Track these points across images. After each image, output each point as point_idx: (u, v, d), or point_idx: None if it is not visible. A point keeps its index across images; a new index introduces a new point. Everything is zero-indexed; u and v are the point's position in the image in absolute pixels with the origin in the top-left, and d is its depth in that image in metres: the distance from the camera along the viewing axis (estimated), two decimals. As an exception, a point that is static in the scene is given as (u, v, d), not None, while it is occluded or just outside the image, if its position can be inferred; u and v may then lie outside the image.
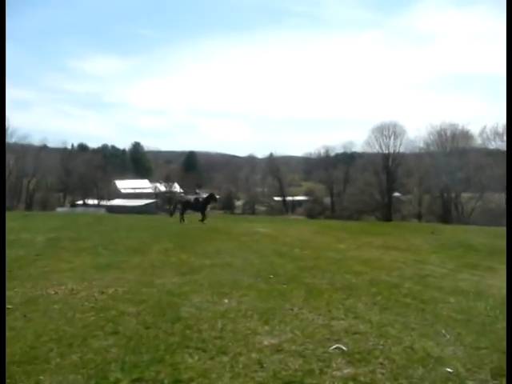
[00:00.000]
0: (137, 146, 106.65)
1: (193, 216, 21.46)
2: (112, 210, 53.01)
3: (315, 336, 4.50)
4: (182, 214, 20.92)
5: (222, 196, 78.23)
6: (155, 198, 74.75)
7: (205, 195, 23.43)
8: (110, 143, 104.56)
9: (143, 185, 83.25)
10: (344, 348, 4.15)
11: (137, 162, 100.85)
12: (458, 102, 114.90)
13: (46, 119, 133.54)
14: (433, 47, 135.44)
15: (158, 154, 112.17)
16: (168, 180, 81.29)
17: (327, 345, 4.26)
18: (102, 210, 53.13)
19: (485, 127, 54.61)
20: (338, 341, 4.37)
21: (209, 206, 23.23)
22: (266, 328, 4.74)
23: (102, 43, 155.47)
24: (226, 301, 5.88)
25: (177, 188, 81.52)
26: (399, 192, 61.14)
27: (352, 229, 19.18)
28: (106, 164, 77.91)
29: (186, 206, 21.91)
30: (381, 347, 4.23)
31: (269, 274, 7.83)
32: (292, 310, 5.52)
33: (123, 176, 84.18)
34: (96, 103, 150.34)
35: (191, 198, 23.23)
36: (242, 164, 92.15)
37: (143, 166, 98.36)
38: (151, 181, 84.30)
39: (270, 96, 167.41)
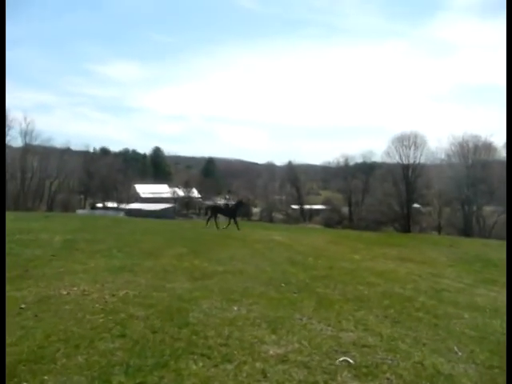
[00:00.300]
0: (157, 151, 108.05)
1: (223, 222, 21.62)
2: (131, 213, 53.64)
3: (322, 347, 4.43)
4: (209, 218, 21.45)
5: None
6: (174, 203, 75.40)
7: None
8: (130, 148, 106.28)
9: (162, 189, 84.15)
10: (351, 361, 4.08)
11: (157, 166, 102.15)
12: (480, 114, 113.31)
13: (68, 123, 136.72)
14: (455, 58, 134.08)
15: (178, 160, 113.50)
16: (187, 185, 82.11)
17: (334, 357, 4.19)
18: (121, 213, 53.81)
19: (509, 139, 53.42)
20: (345, 353, 4.30)
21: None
22: (273, 337, 4.69)
23: (123, 49, 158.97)
24: (236, 308, 5.86)
25: (195, 193, 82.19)
26: (419, 203, 60.22)
27: (368, 239, 18.92)
28: (126, 168, 79.05)
29: (217, 211, 22.39)
30: (389, 362, 4.14)
31: (280, 283, 7.77)
32: (301, 319, 5.45)
33: (143, 180, 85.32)
34: (117, 108, 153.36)
35: (221, 203, 23.75)
36: (261, 171, 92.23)
37: (163, 171, 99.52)
38: (170, 186, 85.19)
39: (288, 104, 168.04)
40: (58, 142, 70.98)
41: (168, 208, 68.10)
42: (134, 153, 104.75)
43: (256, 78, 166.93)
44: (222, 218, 21.77)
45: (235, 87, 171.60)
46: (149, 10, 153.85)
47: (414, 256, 13.18)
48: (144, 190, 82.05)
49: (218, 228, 20.48)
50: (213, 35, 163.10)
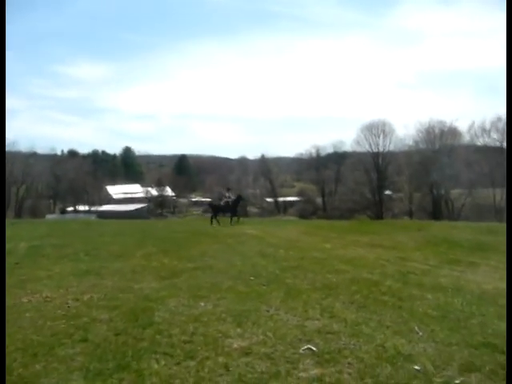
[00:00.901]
0: (127, 151, 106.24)
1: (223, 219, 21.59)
2: (103, 215, 52.69)
3: (287, 337, 4.45)
4: (213, 217, 21.87)
5: (213, 199, 78.27)
6: (147, 203, 74.42)
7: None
8: (100, 149, 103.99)
9: (135, 189, 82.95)
10: (314, 348, 4.11)
11: (128, 166, 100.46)
12: (445, 100, 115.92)
13: (33, 126, 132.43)
14: (419, 46, 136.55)
15: (150, 159, 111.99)
16: (160, 184, 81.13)
17: (298, 346, 4.21)
18: (93, 216, 52.75)
19: (473, 124, 55.20)
20: (309, 341, 4.33)
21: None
22: (238, 330, 4.68)
23: (90, 49, 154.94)
24: (202, 304, 5.82)
25: (169, 192, 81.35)
26: (390, 190, 61.44)
27: (340, 228, 19.15)
28: (96, 169, 77.42)
29: (217, 209, 22.77)
30: (352, 346, 4.19)
31: (250, 276, 7.78)
32: (268, 311, 5.46)
33: (114, 181, 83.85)
34: (84, 109, 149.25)
35: (221, 201, 23.83)
36: (234, 166, 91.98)
37: (134, 171, 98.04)
38: (143, 185, 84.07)
39: (259, 98, 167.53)
40: (23, 146, 68.81)
41: (141, 208, 67.28)
42: (104, 154, 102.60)
43: (225, 74, 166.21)
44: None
45: (205, 84, 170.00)
46: (115, 7, 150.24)
47: (384, 242, 13.40)
48: (116, 191, 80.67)
49: (211, 224, 20.96)
50: (180, 32, 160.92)
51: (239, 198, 23.49)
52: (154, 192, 79.47)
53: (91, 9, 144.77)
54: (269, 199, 75.58)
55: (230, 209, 22.44)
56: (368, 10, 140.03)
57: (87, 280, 7.51)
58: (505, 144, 52.99)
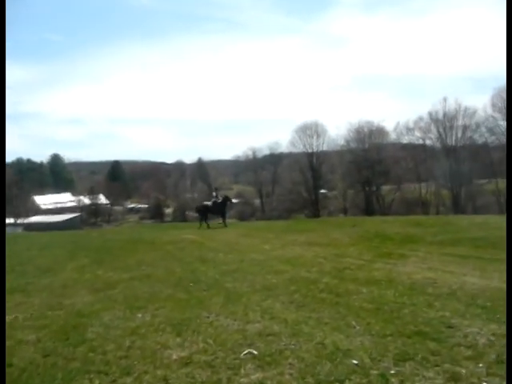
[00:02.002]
0: (56, 158, 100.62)
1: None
2: (30, 227, 49.40)
3: (227, 343, 4.38)
4: (201, 219, 21.87)
5: (150, 205, 76.34)
6: (79, 212, 70.87)
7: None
8: (25, 157, 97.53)
9: (65, 199, 78.71)
10: (255, 352, 4.08)
11: (57, 174, 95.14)
12: (372, 101, 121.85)
13: None
14: (346, 50, 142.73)
15: (80, 166, 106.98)
16: (92, 192, 77.70)
17: (239, 351, 4.16)
18: (19, 229, 49.29)
19: (398, 123, 58.63)
20: (250, 345, 4.29)
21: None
22: (178, 340, 4.53)
23: (9, 50, 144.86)
24: (140, 315, 5.59)
25: (103, 200, 78.10)
26: (325, 189, 63.61)
27: (278, 228, 19.42)
28: (21, 179, 72.50)
29: (206, 210, 22.30)
30: (292, 347, 4.21)
31: (189, 282, 7.63)
32: (208, 317, 5.36)
33: (42, 191, 78.95)
34: (6, 115, 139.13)
35: (209, 202, 23.15)
36: (170, 170, 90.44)
37: (64, 179, 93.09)
38: (74, 194, 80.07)
39: (194, 101, 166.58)
40: None
41: (73, 218, 63.84)
42: (29, 162, 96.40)
43: (158, 76, 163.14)
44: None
45: (138, 87, 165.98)
46: (38, 5, 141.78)
47: (321, 239, 13.77)
48: (44, 201, 76.01)
49: (209, 227, 20.93)
50: (109, 35, 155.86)
51: (226, 199, 23.16)
52: (86, 201, 75.98)
53: (9, 6, 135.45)
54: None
55: (219, 210, 22.15)
56: (298, 15, 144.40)
57: (11, 299, 6.93)
58: (427, 141, 56.87)
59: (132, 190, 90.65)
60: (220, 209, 22.27)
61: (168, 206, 76.84)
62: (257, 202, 70.50)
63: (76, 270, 9.63)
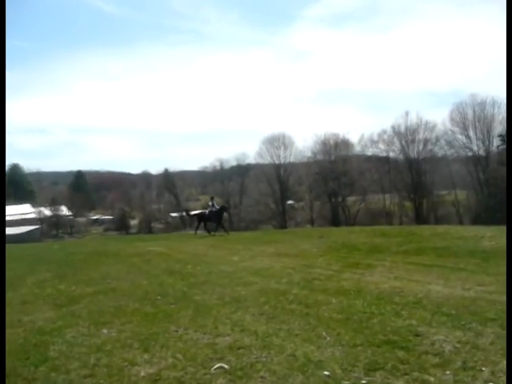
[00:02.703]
0: (15, 168, 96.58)
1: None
2: (-14, 241, 47.05)
3: (197, 358, 4.28)
4: (197, 227, 22.05)
5: (115, 216, 74.65)
6: (40, 224, 68.30)
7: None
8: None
9: (24, 210, 75.56)
10: (226, 366, 4.00)
11: (16, 185, 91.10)
12: (338, 114, 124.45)
13: None
14: (311, 63, 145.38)
15: (41, 176, 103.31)
16: (54, 203, 75.21)
17: (209, 365, 4.07)
18: (-26, 242, 46.88)
19: (362, 136, 60.20)
20: (221, 359, 4.21)
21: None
22: (146, 356, 4.40)
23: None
24: (105, 331, 5.40)
25: (65, 211, 75.67)
26: (292, 200, 64.19)
27: (247, 239, 19.35)
28: (-23, 190, 69.25)
29: (202, 218, 22.25)
30: (263, 359, 4.16)
31: (156, 296, 7.45)
32: (177, 331, 5.24)
33: (0, 202, 75.63)
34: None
35: (205, 210, 22.95)
36: (136, 181, 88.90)
37: (24, 190, 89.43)
38: (34, 205, 77.13)
39: (160, 111, 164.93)
40: None
41: (33, 230, 61.36)
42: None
43: (124, 87, 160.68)
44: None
45: (103, 97, 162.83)
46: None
47: (289, 250, 13.81)
48: (2, 212, 72.82)
49: (210, 234, 21.13)
50: (75, 44, 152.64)
51: (223, 208, 23.36)
52: (47, 212, 73.42)
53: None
54: (174, 214, 74.13)
55: (216, 218, 21.97)
56: (265, 28, 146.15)
57: (-34, 317, 6.56)
58: (391, 154, 58.52)
59: (96, 201, 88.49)
60: (216, 217, 22.17)
61: (133, 218, 75.40)
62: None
63: (36, 285, 9.23)
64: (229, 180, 71.07)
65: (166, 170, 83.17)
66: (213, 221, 22.49)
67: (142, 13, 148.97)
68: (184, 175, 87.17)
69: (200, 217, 22.87)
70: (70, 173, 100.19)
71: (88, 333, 5.38)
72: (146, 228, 67.73)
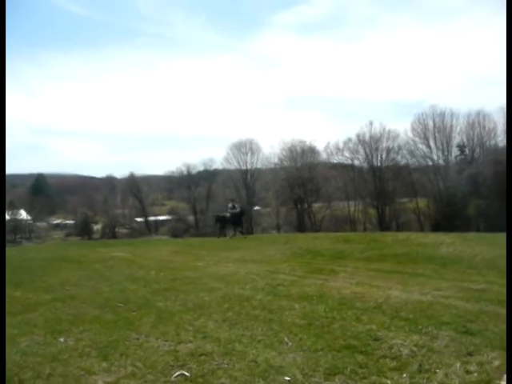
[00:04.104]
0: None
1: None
2: None
3: (158, 365, 4.22)
4: (221, 229, 21.66)
5: (77, 221, 72.47)
6: (-4, 229, 65.37)
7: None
8: None
9: (-21, 214, 72.36)
10: (187, 373, 3.96)
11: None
12: (304, 121, 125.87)
13: None
14: (278, 70, 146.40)
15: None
16: (12, 207, 72.14)
17: (170, 373, 4.03)
18: None
19: (328, 143, 61.17)
20: (182, 366, 4.17)
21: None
22: (104, 365, 4.29)
23: None
24: (62, 340, 5.22)
25: (23, 215, 72.82)
26: (259, 206, 64.30)
27: (212, 245, 19.23)
28: None
29: (224, 221, 21.87)
30: (225, 366, 4.15)
31: (118, 303, 7.28)
32: (138, 339, 5.14)
33: (-47, 205, 72.02)
34: None
35: (227, 213, 22.20)
36: (100, 185, 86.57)
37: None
38: (-10, 209, 73.77)
39: (126, 115, 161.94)
40: None
41: (-11, 235, 58.77)
42: None
43: (88, 88, 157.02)
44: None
45: (66, 99, 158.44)
46: None
47: (254, 256, 13.83)
48: (-45, 216, 69.36)
49: (228, 237, 20.78)
50: (39, 42, 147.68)
51: (243, 212, 22.87)
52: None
53: None
54: (139, 219, 72.77)
55: (236, 221, 21.59)
56: (232, 34, 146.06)
57: None
58: (356, 161, 59.81)
59: (57, 204, 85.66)
60: (237, 220, 21.82)
61: (96, 223, 73.42)
62: (190, 218, 69.51)
63: (-10, 292, 8.81)
64: (195, 185, 70.38)
65: (132, 174, 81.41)
66: (234, 223, 22.08)
67: (108, 15, 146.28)
68: (150, 180, 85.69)
69: (222, 220, 22.42)
70: (30, 175, 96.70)
71: (44, 341, 5.19)
72: (110, 233, 66.09)
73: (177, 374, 3.97)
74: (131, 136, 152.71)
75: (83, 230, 69.46)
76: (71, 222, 76.87)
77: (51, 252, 20.15)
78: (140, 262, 13.28)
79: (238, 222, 22.25)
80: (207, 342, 4.92)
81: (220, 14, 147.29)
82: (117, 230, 68.18)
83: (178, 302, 7.20)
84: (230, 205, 23.27)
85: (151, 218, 73.27)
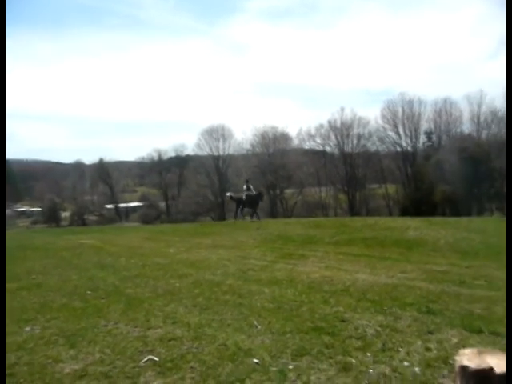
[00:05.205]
0: None
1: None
2: None
3: (127, 351, 4.21)
4: (237, 211, 20.75)
5: (44, 208, 70.56)
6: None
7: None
8: None
9: None
10: (156, 358, 3.97)
11: None
12: (276, 107, 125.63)
13: None
14: (251, 56, 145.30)
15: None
16: (-26, 194, 69.56)
17: (139, 358, 4.02)
18: None
19: (300, 129, 61.54)
20: (151, 352, 4.17)
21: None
22: (71, 352, 4.25)
23: None
24: (28, 328, 5.13)
25: (-14, 203, 70.35)
26: (231, 192, 64.14)
27: (184, 231, 19.16)
28: None
29: (240, 203, 20.96)
30: (194, 350, 4.18)
31: (86, 290, 7.18)
32: (106, 326, 5.10)
33: None
34: None
35: (243, 195, 21.19)
36: (68, 171, 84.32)
37: None
38: (-50, 196, 70.82)
39: (94, 99, 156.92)
40: None
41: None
42: None
43: (53, 71, 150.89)
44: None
45: (30, 81, 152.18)
46: None
47: (226, 242, 13.88)
48: None
49: (236, 219, 20.57)
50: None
51: (260, 194, 21.70)
52: (-34, 203, 67.83)
53: None
54: (109, 206, 71.46)
55: (252, 204, 20.70)
56: (204, 19, 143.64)
57: None
58: (327, 148, 60.43)
59: (23, 191, 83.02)
60: (253, 202, 20.85)
61: (65, 210, 71.66)
62: (162, 204, 68.83)
63: (-49, 282, 8.52)
64: (167, 171, 69.53)
65: (101, 160, 79.62)
66: (250, 206, 21.24)
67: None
68: (120, 166, 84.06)
69: (238, 201, 21.43)
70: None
71: (8, 331, 5.05)
72: (79, 220, 64.68)
73: (146, 359, 3.97)
74: (100, 121, 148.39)
75: (51, 218, 67.69)
76: (38, 209, 74.78)
77: (16, 240, 19.57)
78: (109, 249, 13.10)
79: (255, 205, 21.36)
80: (177, 327, 4.93)
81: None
82: (86, 217, 66.78)
83: (148, 288, 7.17)
84: (244, 186, 22.27)
85: (122, 205, 72.13)
